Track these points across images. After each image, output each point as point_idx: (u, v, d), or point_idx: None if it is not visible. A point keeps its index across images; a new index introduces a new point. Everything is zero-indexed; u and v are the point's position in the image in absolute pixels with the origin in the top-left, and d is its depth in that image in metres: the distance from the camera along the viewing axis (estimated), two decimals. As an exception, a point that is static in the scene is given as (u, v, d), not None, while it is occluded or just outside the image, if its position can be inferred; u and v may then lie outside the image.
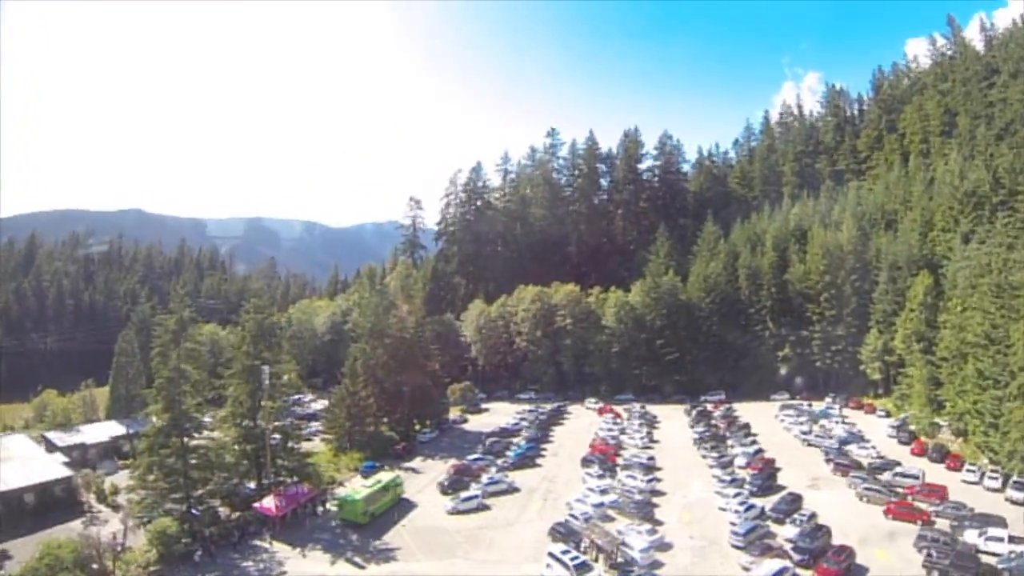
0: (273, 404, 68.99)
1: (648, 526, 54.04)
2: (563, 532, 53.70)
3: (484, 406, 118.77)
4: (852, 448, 77.24)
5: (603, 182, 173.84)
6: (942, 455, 73.26)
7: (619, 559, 48.23)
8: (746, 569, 46.38)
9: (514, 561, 51.24)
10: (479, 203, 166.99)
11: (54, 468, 72.08)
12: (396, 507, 65.66)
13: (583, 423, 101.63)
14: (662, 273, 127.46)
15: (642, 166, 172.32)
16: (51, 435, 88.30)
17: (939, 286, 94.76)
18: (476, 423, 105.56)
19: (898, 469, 67.39)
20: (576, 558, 46.29)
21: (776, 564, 44.69)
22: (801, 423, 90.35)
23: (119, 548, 52.33)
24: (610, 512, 59.95)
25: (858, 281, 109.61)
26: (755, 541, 50.52)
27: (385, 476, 69.66)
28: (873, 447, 77.57)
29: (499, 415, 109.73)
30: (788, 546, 49.42)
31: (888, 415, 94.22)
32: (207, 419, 70.05)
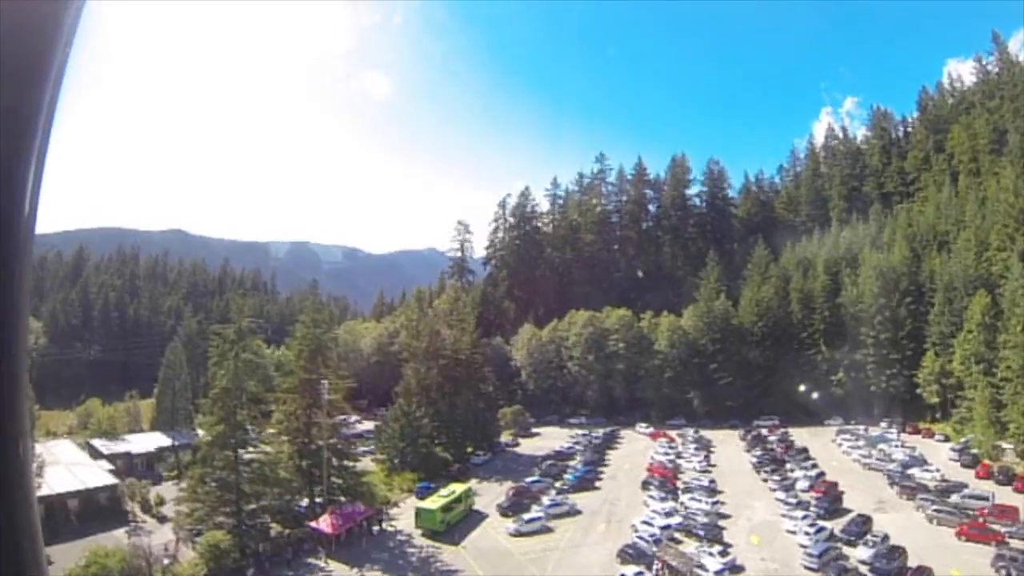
0: (330, 420, 68.93)
1: (719, 548, 54.41)
2: (632, 554, 54.05)
3: (535, 430, 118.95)
4: (915, 471, 76.41)
5: (651, 208, 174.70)
6: (1008, 477, 72.52)
7: (691, 582, 48.73)
8: (824, 590, 46.67)
9: None
10: (528, 228, 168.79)
11: (99, 475, 71.76)
12: (467, 518, 67.66)
13: (637, 447, 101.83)
14: (713, 298, 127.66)
15: (689, 192, 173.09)
16: (96, 442, 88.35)
17: (997, 306, 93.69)
18: (528, 447, 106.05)
19: (966, 491, 66.84)
20: (650, 579, 46.96)
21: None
22: (859, 447, 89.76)
23: (170, 560, 52.19)
24: (677, 535, 59.96)
25: (913, 303, 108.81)
26: (829, 563, 50.63)
27: (458, 487, 71.32)
28: (936, 470, 76.74)
29: (550, 439, 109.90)
30: (864, 568, 49.51)
31: (947, 439, 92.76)
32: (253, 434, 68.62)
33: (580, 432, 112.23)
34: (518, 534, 63.16)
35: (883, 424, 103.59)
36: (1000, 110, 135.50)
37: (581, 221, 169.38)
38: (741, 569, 51.63)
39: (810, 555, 51.87)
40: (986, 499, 64.25)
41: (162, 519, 66.92)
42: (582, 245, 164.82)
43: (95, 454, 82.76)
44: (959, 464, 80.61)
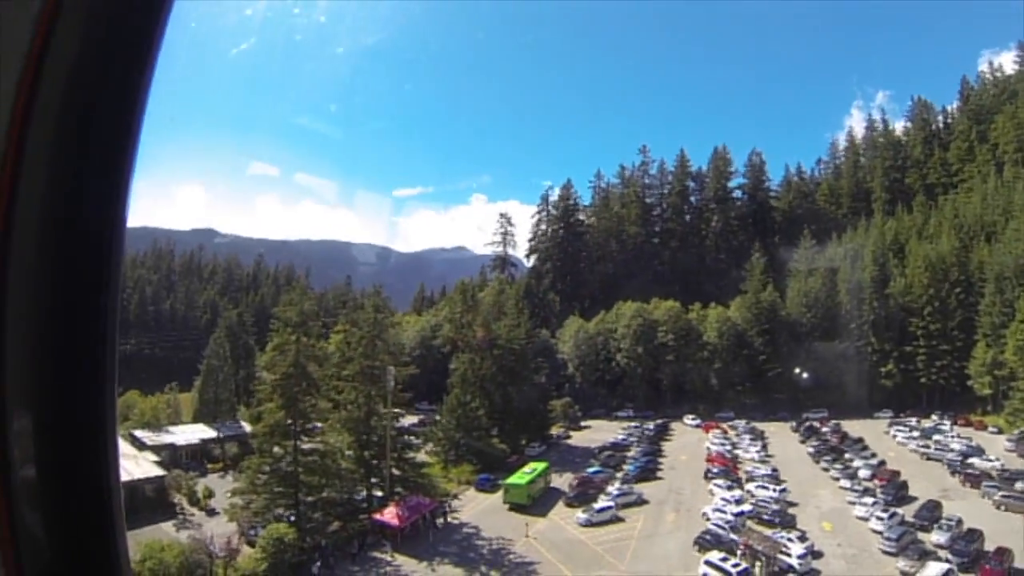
0: (391, 410, 68.27)
1: (797, 533, 56.05)
2: (711, 541, 55.01)
3: (583, 423, 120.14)
4: (975, 461, 77.49)
5: (693, 200, 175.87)
6: (1071, 466, 73.37)
7: (775, 567, 50.38)
8: (906, 574, 48.20)
9: (664, 572, 52.02)
10: (571, 221, 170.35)
11: (145, 467, 70.35)
12: (547, 494, 70.86)
13: (690, 439, 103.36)
14: (760, 289, 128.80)
15: (731, 184, 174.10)
16: (139, 434, 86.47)
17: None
18: (579, 439, 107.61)
19: (1030, 479, 67.98)
20: (737, 564, 48.50)
21: (941, 567, 46.46)
22: (914, 438, 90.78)
23: (232, 555, 49.88)
24: (749, 522, 61.50)
25: (962, 294, 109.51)
26: (907, 547, 52.16)
27: (538, 465, 75.10)
28: (996, 459, 77.79)
29: (601, 432, 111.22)
30: (941, 552, 51.03)
31: (1000, 431, 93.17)
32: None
33: (632, 424, 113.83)
34: (589, 524, 63.34)
35: (934, 416, 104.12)
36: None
37: (625, 213, 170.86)
38: (820, 555, 53.09)
39: (888, 539, 53.35)
40: (1052, 486, 65.45)
41: (211, 512, 65.55)
42: (626, 237, 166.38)
43: (139, 446, 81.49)
44: (1016, 454, 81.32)
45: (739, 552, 52.43)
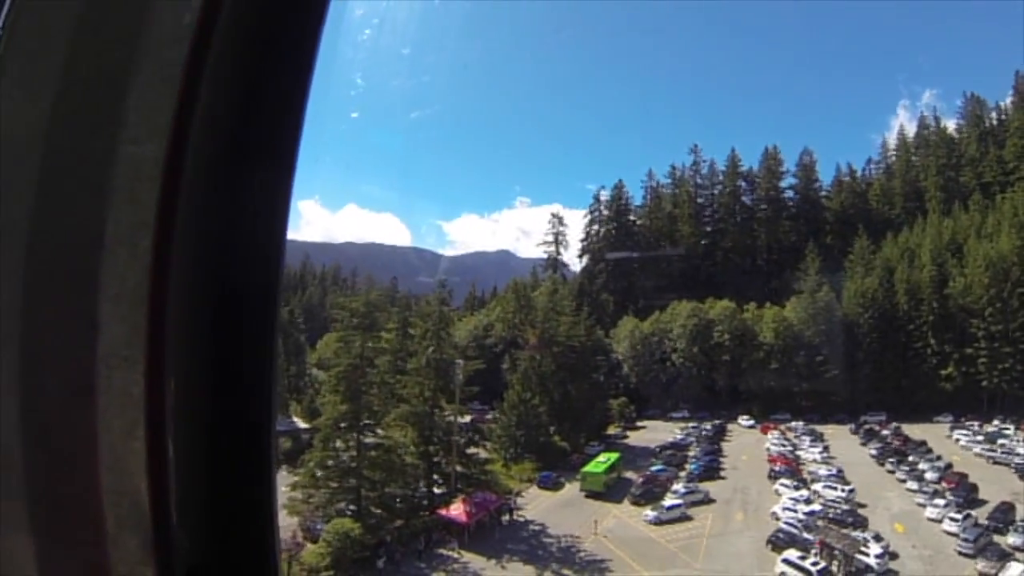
0: (459, 405, 69.31)
1: (871, 534, 56.95)
2: (785, 540, 55.81)
3: (639, 423, 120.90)
4: (1044, 466, 77.45)
5: (744, 200, 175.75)
6: None
7: (853, 566, 51.37)
8: (985, 574, 49.06)
9: (740, 570, 52.80)
10: (624, 220, 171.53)
11: None
12: (619, 483, 73.57)
13: (748, 440, 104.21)
14: (816, 289, 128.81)
15: (783, 184, 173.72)
16: None
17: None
18: (636, 439, 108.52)
19: (1103, 483, 68.01)
20: (816, 563, 49.68)
21: (1022, 567, 47.31)
22: (978, 442, 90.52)
23: (298, 549, 49.95)
24: (819, 523, 62.58)
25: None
26: (984, 548, 52.91)
27: (611, 455, 78.46)
28: (1065, 465, 77.60)
29: (657, 432, 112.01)
30: (1019, 554, 51.71)
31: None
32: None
33: (688, 425, 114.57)
34: (658, 522, 63.99)
35: (996, 421, 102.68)
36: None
37: (677, 213, 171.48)
38: (896, 556, 53.91)
39: (965, 540, 54.13)
40: (1124, 491, 65.45)
41: None
42: (679, 237, 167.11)
43: None
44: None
45: (814, 550, 53.54)
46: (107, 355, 1.83)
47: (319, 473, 57.71)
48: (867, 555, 51.59)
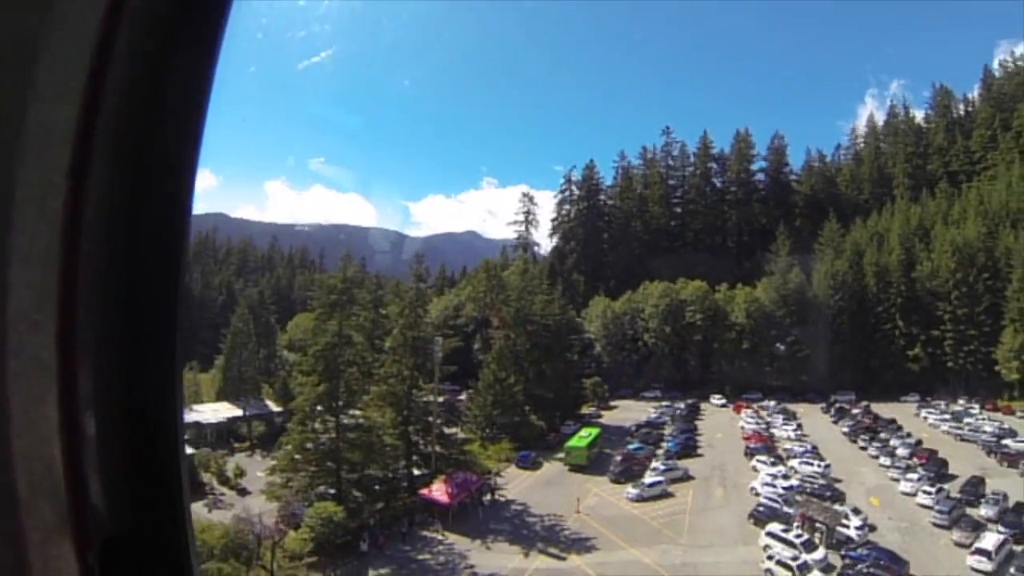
0: (436, 386, 67.48)
1: (849, 507, 58.12)
2: (766, 514, 55.96)
3: (611, 403, 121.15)
4: (1008, 442, 79.46)
5: (716, 182, 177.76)
6: (1104, 448, 75.59)
7: (834, 538, 52.25)
8: (961, 545, 50.46)
9: (725, 545, 52.47)
10: (595, 201, 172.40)
11: None
12: (600, 457, 75.64)
13: (722, 419, 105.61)
14: (787, 271, 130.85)
15: (753, 167, 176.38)
16: None
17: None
18: (610, 418, 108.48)
19: (1068, 458, 70.39)
20: (800, 535, 50.40)
21: (997, 537, 48.71)
22: (946, 420, 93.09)
23: (281, 535, 47.31)
24: (798, 497, 63.40)
25: (990, 279, 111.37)
26: (959, 520, 54.36)
27: (592, 431, 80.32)
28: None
29: (630, 411, 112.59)
30: (992, 525, 53.27)
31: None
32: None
33: (663, 404, 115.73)
34: (640, 499, 63.87)
35: (961, 401, 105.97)
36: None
37: (648, 194, 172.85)
38: (874, 528, 54.95)
39: (940, 513, 55.54)
40: (1091, 465, 67.89)
41: (242, 492, 63.91)
42: (649, 218, 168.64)
43: None
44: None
45: (796, 523, 54.44)
46: (16, 318, 1.78)
47: (298, 456, 56.05)
48: (847, 527, 52.72)
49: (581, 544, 52.78)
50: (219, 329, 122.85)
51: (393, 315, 74.20)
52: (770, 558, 46.80)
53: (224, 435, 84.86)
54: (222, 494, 63.08)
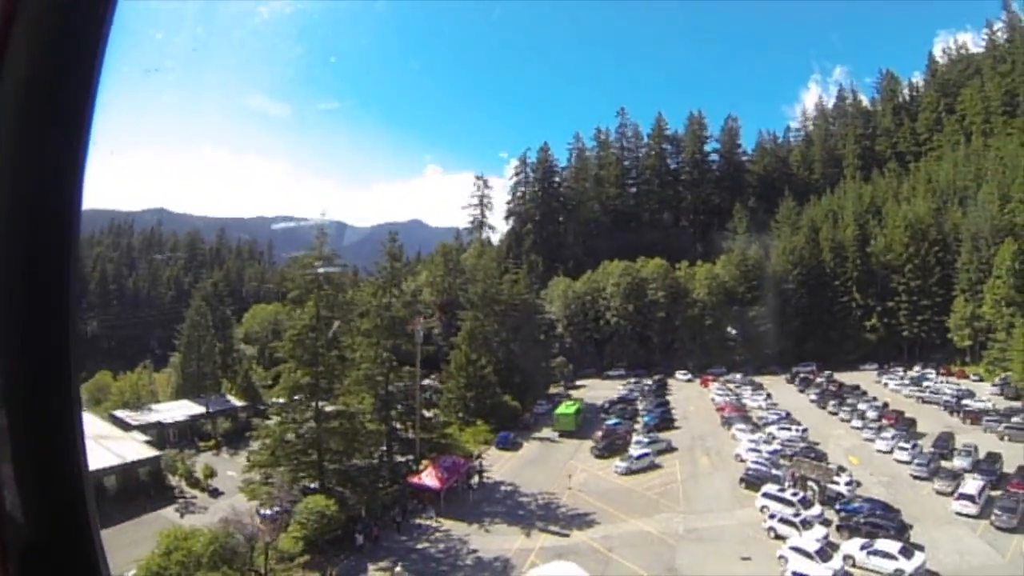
0: (418, 369, 64.95)
1: (834, 465, 60.33)
2: (756, 478, 57.03)
3: (578, 383, 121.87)
4: (968, 402, 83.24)
5: (670, 163, 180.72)
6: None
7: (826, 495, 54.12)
8: (942, 493, 53.09)
9: (722, 509, 53.29)
10: (551, 182, 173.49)
11: (137, 448, 64.49)
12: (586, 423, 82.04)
13: (691, 393, 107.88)
14: (745, 247, 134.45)
15: (707, 148, 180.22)
16: (121, 414, 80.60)
17: (1022, 253, 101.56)
18: (578, 396, 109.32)
19: (1024, 415, 74.38)
20: (796, 494, 52.08)
21: (978, 482, 51.39)
22: (905, 385, 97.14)
23: (274, 536, 43.22)
24: (782, 460, 63.74)
25: (940, 252, 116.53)
26: (937, 471, 57.04)
27: (576, 402, 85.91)
28: (987, 401, 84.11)
29: (598, 390, 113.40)
30: (967, 475, 56.13)
31: (981, 379, 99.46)
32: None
33: (630, 381, 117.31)
34: (629, 472, 64.13)
35: (917, 367, 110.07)
36: (1012, 74, 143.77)
37: (604, 175, 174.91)
38: (859, 483, 57.11)
39: (919, 466, 58.29)
40: (1047, 418, 71.98)
41: (214, 492, 61.26)
42: (605, 199, 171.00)
43: (124, 426, 75.35)
44: (1003, 397, 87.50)
45: (788, 483, 56.27)
46: None
47: (279, 450, 52.54)
48: (837, 484, 54.82)
49: (581, 520, 52.62)
50: (170, 326, 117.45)
51: (366, 296, 71.86)
52: (772, 516, 48.03)
53: (187, 434, 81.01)
54: (193, 497, 60.63)
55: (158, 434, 76.37)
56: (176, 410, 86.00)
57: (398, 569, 41.84)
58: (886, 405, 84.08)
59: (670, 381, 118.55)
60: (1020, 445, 64.77)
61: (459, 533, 50.51)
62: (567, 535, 49.40)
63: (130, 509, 53.99)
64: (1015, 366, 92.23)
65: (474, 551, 46.81)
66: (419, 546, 47.33)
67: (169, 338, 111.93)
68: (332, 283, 59.77)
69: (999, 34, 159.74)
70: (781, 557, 41.26)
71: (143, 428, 76.03)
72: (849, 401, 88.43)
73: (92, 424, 66.97)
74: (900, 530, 44.69)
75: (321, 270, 59.30)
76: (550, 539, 48.72)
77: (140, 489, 59.07)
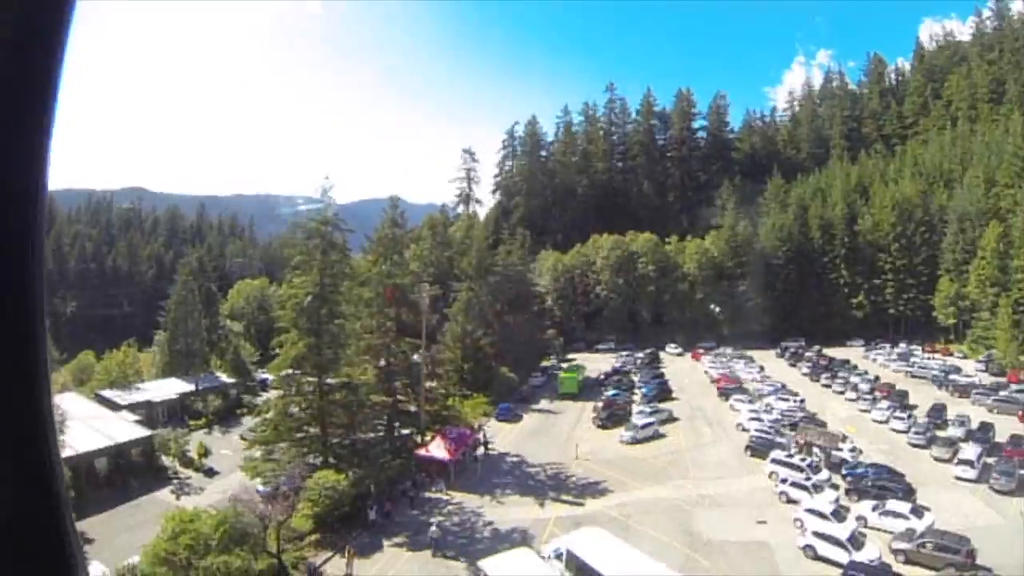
0: (424, 340, 63.59)
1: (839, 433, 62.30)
2: (762, 444, 58.47)
3: (568, 356, 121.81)
4: (955, 377, 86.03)
5: (659, 139, 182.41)
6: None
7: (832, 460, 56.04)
8: (940, 460, 55.50)
9: (732, 476, 54.25)
10: (539, 156, 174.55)
11: (128, 428, 62.29)
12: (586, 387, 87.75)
13: (683, 366, 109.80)
14: (734, 223, 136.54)
15: (695, 125, 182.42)
16: (108, 394, 77.56)
17: (1007, 236, 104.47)
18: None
19: (1012, 388, 77.18)
20: (804, 459, 54.02)
21: (975, 448, 53.85)
22: (893, 360, 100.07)
23: (287, 514, 40.09)
24: (783, 428, 65.28)
25: (926, 232, 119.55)
26: (934, 439, 59.33)
27: (577, 368, 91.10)
28: (973, 376, 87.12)
29: (589, 363, 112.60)
30: (962, 444, 58.55)
31: (965, 357, 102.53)
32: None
33: (622, 355, 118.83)
34: (634, 441, 64.46)
35: (903, 344, 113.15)
36: (1000, 62, 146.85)
37: (592, 150, 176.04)
38: (860, 451, 59.19)
39: (916, 434, 60.69)
40: (1033, 392, 75.05)
41: (209, 472, 59.53)
42: (593, 173, 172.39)
43: (112, 406, 72.59)
44: (988, 373, 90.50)
45: (794, 449, 58.10)
46: None
47: (281, 425, 50.92)
48: (841, 450, 56.91)
49: (593, 488, 52.61)
50: (152, 304, 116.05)
51: (366, 265, 69.65)
52: (783, 481, 49.47)
53: (177, 412, 78.88)
54: (188, 477, 58.61)
55: (147, 413, 73.86)
56: (165, 388, 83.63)
57: (434, 528, 42.54)
58: (877, 378, 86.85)
59: (661, 355, 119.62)
60: (1009, 416, 67.88)
61: (472, 505, 49.65)
62: (582, 504, 49.36)
63: (124, 492, 52.69)
64: (999, 344, 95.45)
65: (490, 523, 46.22)
66: (434, 519, 45.46)
67: (151, 316, 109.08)
68: (337, 248, 57.29)
69: (987, 22, 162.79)
70: (797, 520, 42.76)
71: (132, 408, 73.39)
72: (841, 375, 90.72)
73: (79, 405, 64.77)
74: (908, 492, 46.86)
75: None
76: (565, 508, 48.48)
77: (133, 471, 57.04)
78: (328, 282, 53.92)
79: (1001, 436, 59.98)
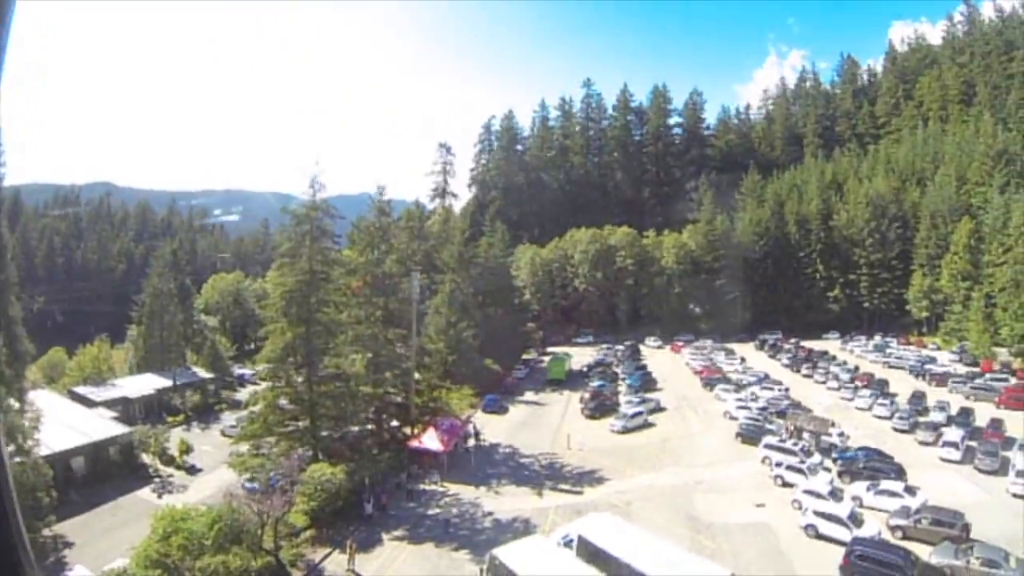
0: (415, 329, 62.81)
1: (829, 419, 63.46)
2: (752, 431, 59.56)
3: (547, 349, 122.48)
4: (931, 367, 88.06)
5: (635, 134, 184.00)
6: (1011, 371, 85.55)
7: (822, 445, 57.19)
8: (925, 443, 57.01)
9: (725, 462, 54.25)
10: (515, 150, 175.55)
11: (105, 425, 60.80)
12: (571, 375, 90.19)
13: (663, 358, 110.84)
14: (711, 218, 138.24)
15: (671, 121, 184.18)
16: (82, 390, 76.18)
17: (977, 232, 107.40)
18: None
19: (986, 376, 79.35)
20: (796, 443, 55.13)
21: (958, 431, 55.50)
22: (870, 352, 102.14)
23: (285, 509, 37.80)
24: (773, 415, 66.27)
25: (900, 228, 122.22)
26: (917, 424, 60.95)
27: (561, 355, 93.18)
28: (948, 366, 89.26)
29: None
30: (944, 428, 60.22)
31: (939, 348, 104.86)
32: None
33: (602, 347, 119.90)
34: (625, 430, 65.08)
35: (878, 336, 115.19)
36: (970, 65, 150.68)
37: (569, 144, 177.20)
38: (848, 436, 60.48)
39: (901, 419, 62.32)
40: (1005, 380, 77.19)
41: (191, 470, 58.38)
42: (570, 168, 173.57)
43: (88, 403, 70.83)
44: (961, 363, 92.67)
45: (784, 435, 59.21)
46: None
47: (271, 417, 49.60)
48: (830, 436, 58.12)
49: (590, 477, 52.48)
50: (123, 299, 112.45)
51: (352, 254, 67.70)
52: (778, 465, 50.33)
53: (154, 408, 77.70)
54: (170, 475, 57.46)
55: (124, 410, 72.60)
56: (141, 384, 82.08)
57: (454, 511, 42.30)
58: (856, 368, 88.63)
59: (640, 348, 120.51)
60: (986, 403, 69.94)
61: (469, 496, 49.15)
62: (580, 492, 49.23)
63: (103, 492, 51.20)
64: (971, 335, 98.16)
65: (489, 513, 45.60)
66: (430, 512, 45.36)
67: (122, 312, 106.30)
68: (327, 235, 56.00)
69: (958, 26, 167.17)
70: (796, 501, 43.67)
71: (108, 404, 72.15)
72: (821, 365, 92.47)
73: (51, 402, 61.02)
74: (899, 473, 48.13)
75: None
76: (564, 497, 48.24)
77: (112, 469, 55.54)
78: (318, 269, 53.00)
79: (981, 420, 61.81)
